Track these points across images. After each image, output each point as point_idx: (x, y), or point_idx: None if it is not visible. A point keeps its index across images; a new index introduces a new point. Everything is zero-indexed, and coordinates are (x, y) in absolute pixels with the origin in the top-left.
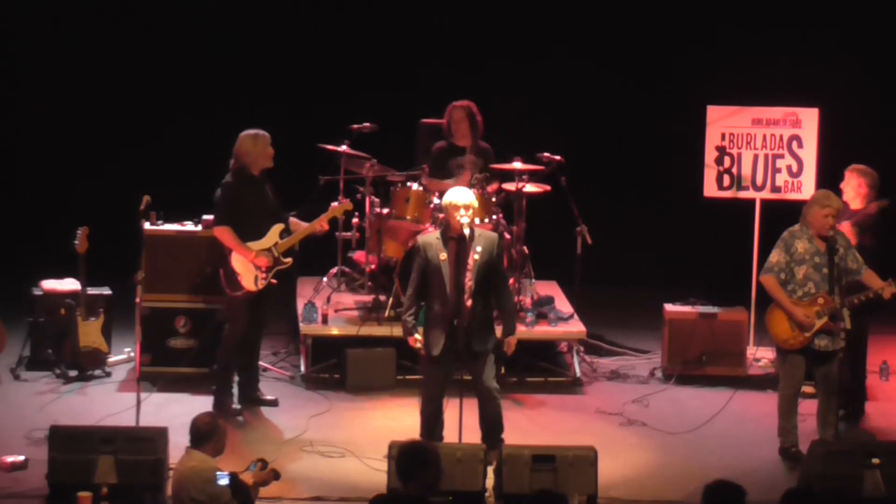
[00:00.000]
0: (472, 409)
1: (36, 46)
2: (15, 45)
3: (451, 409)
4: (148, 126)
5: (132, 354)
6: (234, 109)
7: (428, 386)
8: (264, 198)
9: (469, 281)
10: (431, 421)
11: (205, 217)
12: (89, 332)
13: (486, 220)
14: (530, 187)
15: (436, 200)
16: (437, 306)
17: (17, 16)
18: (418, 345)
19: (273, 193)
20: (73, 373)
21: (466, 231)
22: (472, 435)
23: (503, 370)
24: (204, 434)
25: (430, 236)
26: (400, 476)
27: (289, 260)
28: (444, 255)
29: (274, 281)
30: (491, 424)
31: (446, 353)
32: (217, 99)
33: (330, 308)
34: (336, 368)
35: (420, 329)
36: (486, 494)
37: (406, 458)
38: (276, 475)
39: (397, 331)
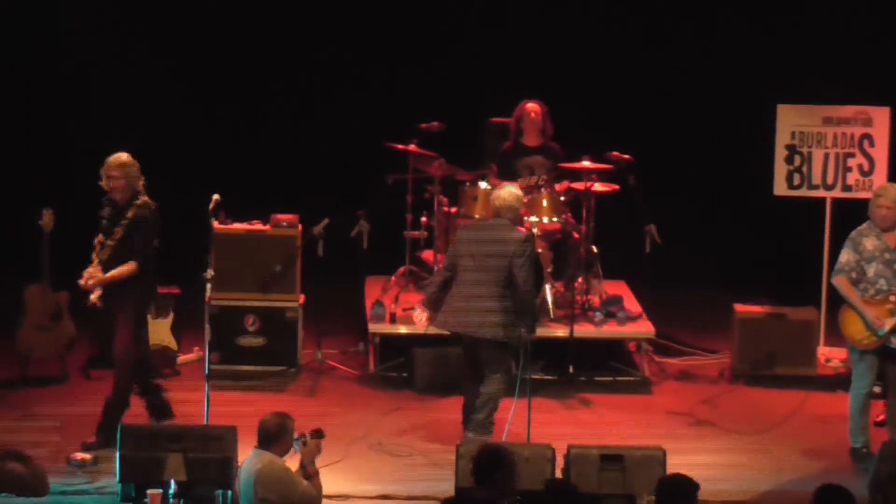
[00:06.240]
0: (541, 408)
1: (106, 44)
2: (83, 46)
3: (519, 408)
4: (219, 123)
5: (201, 353)
6: (303, 107)
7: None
8: (107, 221)
9: None
10: None
11: (274, 216)
12: (159, 330)
13: (555, 220)
14: (599, 186)
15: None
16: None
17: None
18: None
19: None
20: None
21: None
22: (540, 434)
23: (571, 369)
24: (273, 434)
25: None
26: (475, 478)
27: (95, 299)
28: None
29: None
30: None
31: None
32: (286, 97)
33: (398, 307)
34: (404, 367)
35: None
36: None
37: (482, 461)
38: (317, 434)
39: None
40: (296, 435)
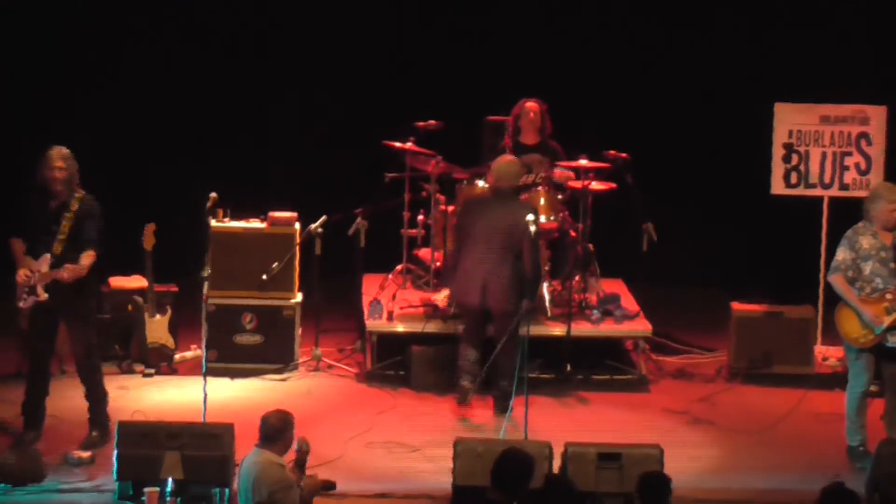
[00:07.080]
0: (539, 406)
1: (109, 38)
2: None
3: (517, 406)
4: (217, 123)
5: (199, 351)
6: (299, 107)
7: None
8: (51, 217)
9: None
10: None
11: (271, 214)
12: (156, 328)
13: (552, 218)
14: (596, 185)
15: None
16: None
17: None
18: None
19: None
20: (139, 368)
21: None
22: (537, 432)
23: (568, 367)
24: (276, 432)
25: None
26: (494, 480)
27: (45, 296)
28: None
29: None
30: None
31: None
32: (282, 96)
33: (395, 305)
34: (401, 365)
35: None
36: None
37: (507, 466)
38: (328, 487)
39: (461, 328)
40: (305, 472)
